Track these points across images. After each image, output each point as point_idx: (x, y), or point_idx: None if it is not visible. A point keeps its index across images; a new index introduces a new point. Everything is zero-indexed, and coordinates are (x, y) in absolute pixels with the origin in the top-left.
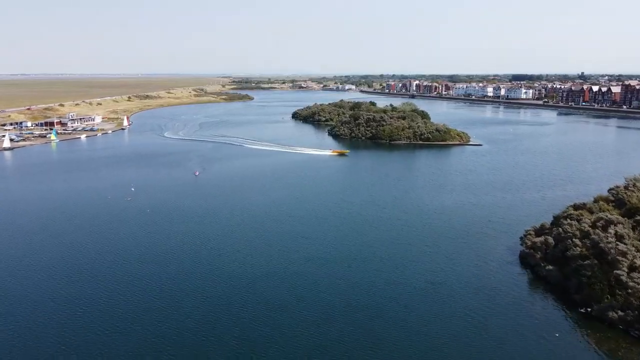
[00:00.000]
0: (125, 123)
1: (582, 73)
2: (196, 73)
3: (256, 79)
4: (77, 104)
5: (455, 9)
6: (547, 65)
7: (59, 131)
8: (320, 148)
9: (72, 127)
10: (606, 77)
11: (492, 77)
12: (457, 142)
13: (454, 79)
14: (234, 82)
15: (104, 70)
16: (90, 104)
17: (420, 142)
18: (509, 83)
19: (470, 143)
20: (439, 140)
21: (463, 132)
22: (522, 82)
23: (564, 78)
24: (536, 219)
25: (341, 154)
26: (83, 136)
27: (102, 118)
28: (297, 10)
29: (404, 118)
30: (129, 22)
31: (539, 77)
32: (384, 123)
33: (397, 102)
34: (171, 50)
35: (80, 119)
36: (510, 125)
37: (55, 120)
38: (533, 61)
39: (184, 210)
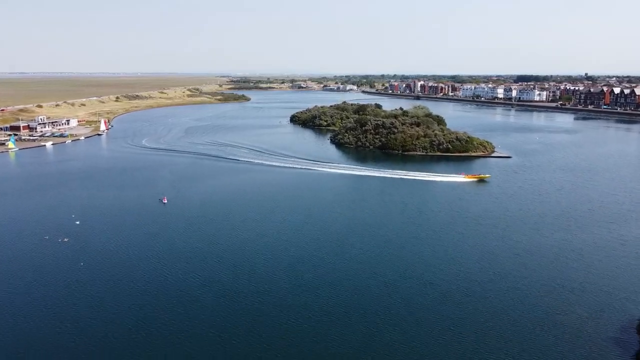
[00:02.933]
0: (103, 127)
1: (586, 74)
2: (196, 72)
3: (255, 79)
4: (57, 105)
5: (456, 10)
6: (549, 66)
7: (24, 137)
8: (446, 172)
9: (41, 132)
10: (614, 78)
11: (495, 78)
12: (481, 153)
13: (456, 79)
14: (231, 81)
15: (103, 69)
16: (73, 104)
17: (439, 154)
18: (518, 84)
19: (496, 155)
20: (459, 150)
21: (486, 141)
22: (530, 83)
23: (569, 79)
24: (628, 279)
25: (480, 180)
26: (49, 143)
27: (79, 121)
28: (297, 10)
29: (418, 124)
30: (130, 22)
31: (545, 78)
32: (396, 130)
33: (403, 103)
34: (172, 49)
35: (52, 122)
36: (536, 133)
37: (22, 125)
38: (534, 62)
39: (132, 264)
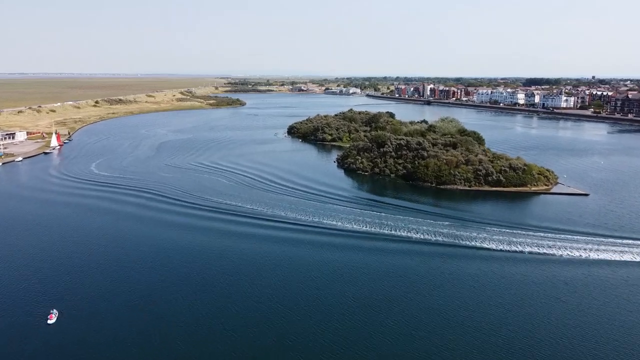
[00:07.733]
0: (55, 143)
1: (594, 77)
2: (196, 73)
3: (255, 80)
4: (20, 112)
5: (456, 10)
6: (550, 67)
7: None
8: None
9: None
10: (628, 82)
11: (501, 80)
12: (543, 188)
13: (462, 82)
14: (229, 83)
15: (104, 70)
16: (39, 111)
17: (486, 188)
18: (534, 88)
19: (565, 191)
20: (514, 184)
21: (547, 170)
22: (545, 87)
23: (578, 82)
24: None
25: None
26: None
27: (30, 134)
28: (297, 10)
29: (454, 146)
30: (131, 22)
31: (556, 81)
32: (425, 153)
33: (414, 109)
34: (172, 50)
35: None
36: (592, 154)
37: None
38: (535, 63)
39: None
